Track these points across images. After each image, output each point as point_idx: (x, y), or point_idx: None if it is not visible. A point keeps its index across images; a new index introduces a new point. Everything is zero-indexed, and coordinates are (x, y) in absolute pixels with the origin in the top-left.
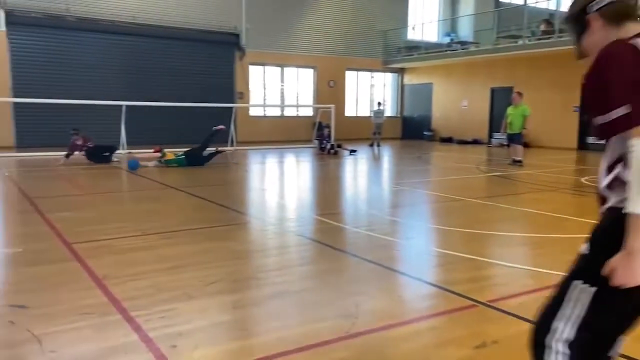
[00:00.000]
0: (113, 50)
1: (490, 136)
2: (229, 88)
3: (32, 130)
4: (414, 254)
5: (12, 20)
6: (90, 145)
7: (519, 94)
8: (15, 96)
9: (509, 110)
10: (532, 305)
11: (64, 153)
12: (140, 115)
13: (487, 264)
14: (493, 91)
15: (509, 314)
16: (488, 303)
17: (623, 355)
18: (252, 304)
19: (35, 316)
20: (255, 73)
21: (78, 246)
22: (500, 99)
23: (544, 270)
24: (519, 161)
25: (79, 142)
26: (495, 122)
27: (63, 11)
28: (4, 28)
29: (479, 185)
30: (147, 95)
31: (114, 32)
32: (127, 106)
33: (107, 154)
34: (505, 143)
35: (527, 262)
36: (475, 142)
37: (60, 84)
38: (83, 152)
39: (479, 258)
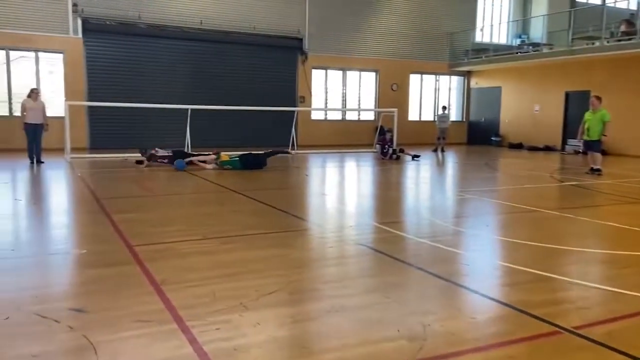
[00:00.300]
0: (180, 55)
1: (565, 143)
2: (291, 92)
3: (105, 132)
4: (484, 269)
5: (88, 27)
6: (169, 154)
7: (598, 98)
8: (89, 100)
9: (587, 115)
10: (623, 334)
11: (135, 155)
12: (205, 119)
13: (567, 283)
14: (567, 95)
15: (597, 343)
16: (573, 330)
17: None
18: (311, 318)
19: (92, 321)
20: (317, 77)
21: (139, 249)
22: (576, 103)
23: (633, 293)
24: (598, 170)
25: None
26: (570, 127)
27: (135, 19)
28: (80, 35)
29: (554, 195)
30: (212, 99)
31: (181, 38)
32: (192, 109)
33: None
34: (581, 150)
35: (612, 283)
36: (548, 148)
37: (131, 88)
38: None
39: (557, 277)
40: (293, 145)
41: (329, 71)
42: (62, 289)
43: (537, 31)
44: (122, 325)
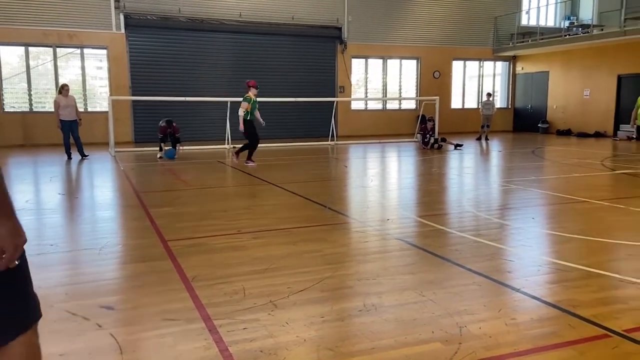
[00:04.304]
0: (221, 48)
1: (617, 128)
2: (330, 82)
3: (148, 126)
4: (528, 265)
5: (130, 22)
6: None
7: None
8: (133, 94)
9: None
10: None
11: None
12: None
13: (620, 281)
14: (620, 79)
15: None
16: (624, 333)
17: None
18: (342, 318)
19: (121, 319)
20: (357, 66)
21: (173, 243)
22: (629, 87)
23: None
24: None
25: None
26: (623, 113)
27: (175, 13)
28: (123, 30)
29: (605, 184)
30: None
31: (221, 30)
32: (232, 102)
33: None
34: (634, 136)
35: None
36: (598, 135)
37: (173, 81)
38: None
39: (608, 274)
40: (333, 136)
41: (369, 60)
42: (95, 285)
43: (587, 12)
44: (149, 323)
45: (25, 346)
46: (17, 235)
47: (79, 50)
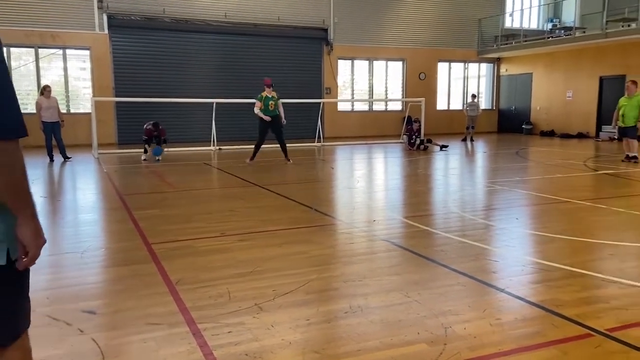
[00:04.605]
0: (206, 48)
1: (599, 129)
2: (317, 83)
3: (132, 128)
4: (512, 265)
5: (114, 23)
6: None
7: (634, 82)
8: (116, 96)
9: (622, 100)
10: None
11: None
12: (231, 112)
13: (602, 281)
14: (602, 80)
15: (634, 347)
16: (607, 332)
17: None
18: (328, 320)
19: (103, 324)
20: (343, 67)
21: (157, 246)
22: (611, 88)
23: None
24: (634, 157)
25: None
26: (604, 114)
27: (159, 13)
28: (106, 31)
29: (588, 184)
30: (238, 92)
31: (206, 31)
32: (218, 103)
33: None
34: (616, 137)
35: None
36: (581, 136)
37: (157, 82)
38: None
39: (591, 273)
40: (319, 137)
41: (355, 61)
42: (77, 289)
43: (569, 14)
44: (132, 328)
45: (21, 350)
46: (39, 236)
47: (61, 51)
